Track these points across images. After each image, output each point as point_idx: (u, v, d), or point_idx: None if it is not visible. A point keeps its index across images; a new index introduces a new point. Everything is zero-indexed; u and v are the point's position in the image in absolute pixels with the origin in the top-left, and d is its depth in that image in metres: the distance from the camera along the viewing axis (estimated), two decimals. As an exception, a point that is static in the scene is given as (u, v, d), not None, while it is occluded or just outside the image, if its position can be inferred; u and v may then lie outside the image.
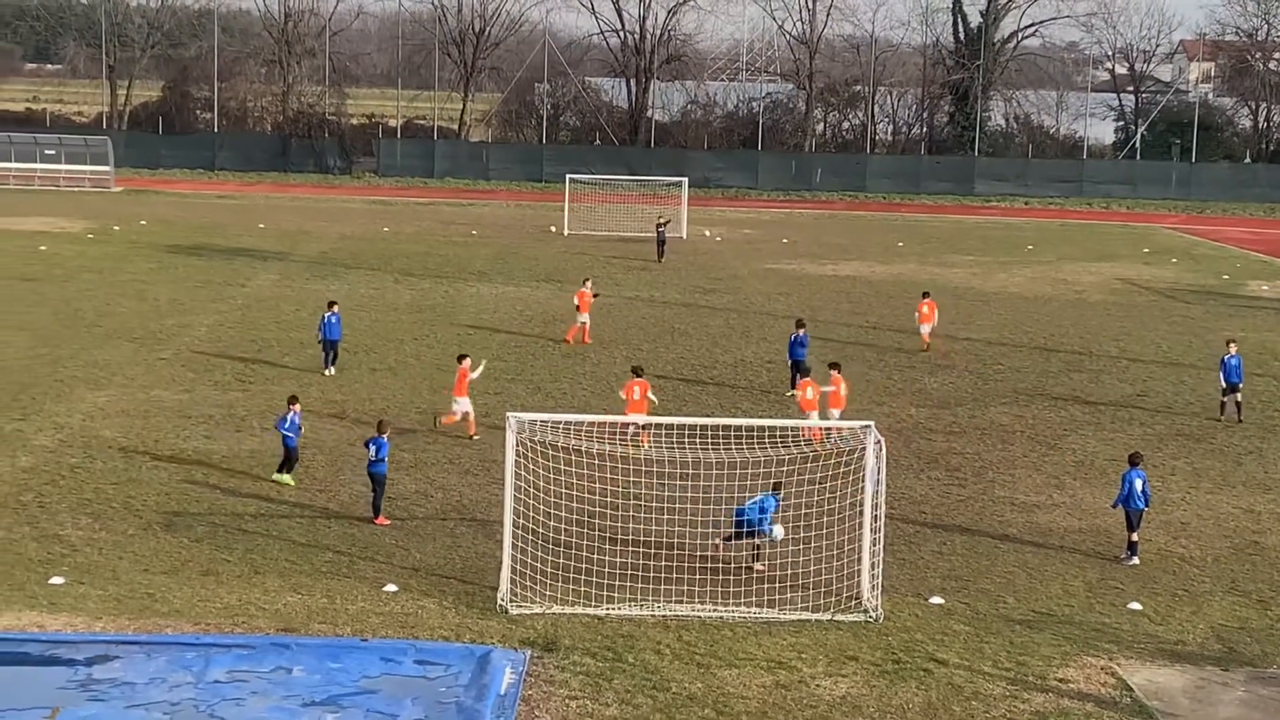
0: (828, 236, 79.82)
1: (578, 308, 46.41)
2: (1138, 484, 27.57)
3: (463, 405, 34.64)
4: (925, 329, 47.17)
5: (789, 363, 40.83)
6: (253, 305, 51.58)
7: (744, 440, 28.00)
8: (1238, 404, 38.88)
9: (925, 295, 48.71)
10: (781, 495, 26.62)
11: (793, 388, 38.14)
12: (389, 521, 28.24)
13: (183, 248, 65.80)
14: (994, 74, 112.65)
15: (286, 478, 30.51)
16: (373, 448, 28.47)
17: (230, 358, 42.57)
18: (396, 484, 30.66)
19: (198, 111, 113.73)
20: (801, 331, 40.80)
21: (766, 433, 27.96)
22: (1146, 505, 27.76)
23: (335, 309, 41.62)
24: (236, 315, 49.56)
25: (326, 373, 40.60)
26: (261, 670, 21.37)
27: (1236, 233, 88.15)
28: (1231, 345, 39.69)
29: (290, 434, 30.45)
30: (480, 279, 59.63)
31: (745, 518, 26.23)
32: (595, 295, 47.52)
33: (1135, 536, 27.61)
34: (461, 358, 35.39)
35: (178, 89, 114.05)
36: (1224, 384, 38.91)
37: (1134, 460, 28.09)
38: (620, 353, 44.62)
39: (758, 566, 26.26)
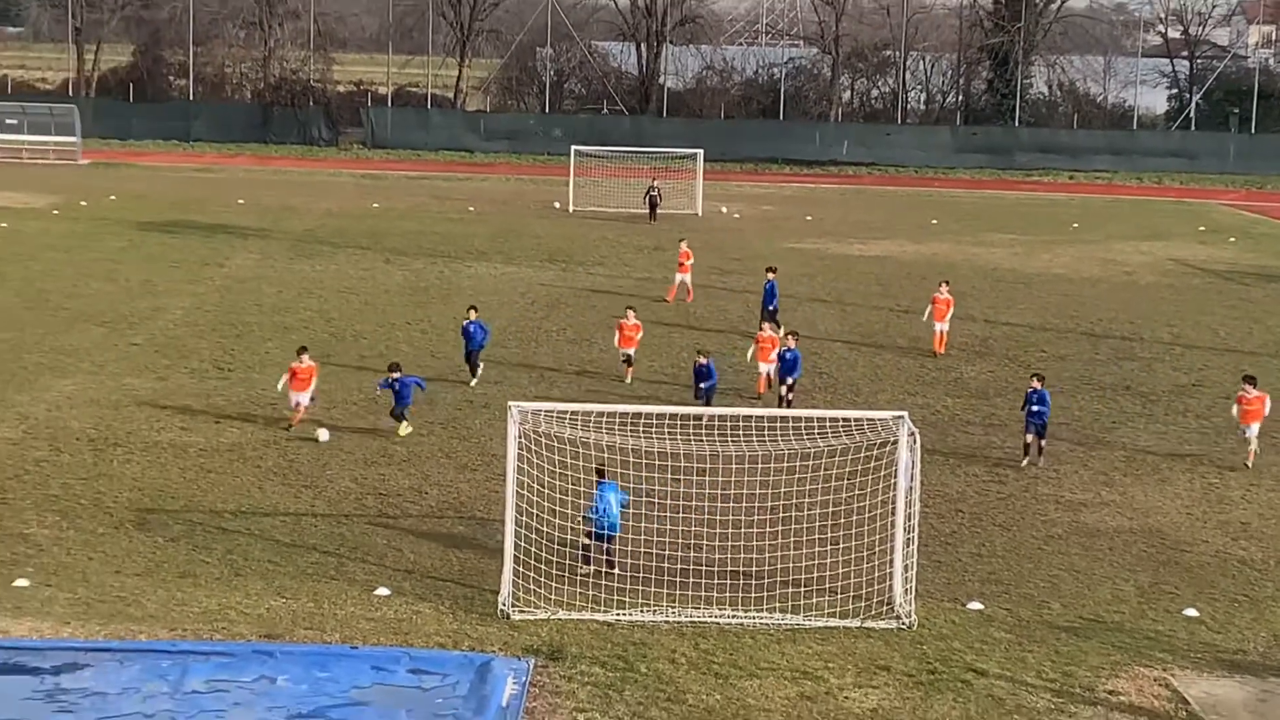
0: (854, 213, 79.73)
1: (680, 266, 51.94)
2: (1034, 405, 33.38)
3: (298, 398, 34.39)
4: (939, 327, 44.05)
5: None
6: (231, 287, 51.61)
7: (765, 433, 27.94)
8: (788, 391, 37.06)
9: (944, 283, 45.44)
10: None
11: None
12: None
13: (155, 225, 65.80)
14: (1036, 37, 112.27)
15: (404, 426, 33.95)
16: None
17: (208, 343, 42.63)
18: (388, 480, 30.75)
19: (171, 78, 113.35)
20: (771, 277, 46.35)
21: (791, 424, 27.90)
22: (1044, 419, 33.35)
23: (475, 314, 39.41)
24: (214, 298, 49.60)
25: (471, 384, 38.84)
26: (243, 680, 21.37)
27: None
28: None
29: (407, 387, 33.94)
30: (479, 259, 59.59)
31: (608, 519, 26.00)
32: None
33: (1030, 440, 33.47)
34: (301, 350, 35.18)
35: (150, 53, 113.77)
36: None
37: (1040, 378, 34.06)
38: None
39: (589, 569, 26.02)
